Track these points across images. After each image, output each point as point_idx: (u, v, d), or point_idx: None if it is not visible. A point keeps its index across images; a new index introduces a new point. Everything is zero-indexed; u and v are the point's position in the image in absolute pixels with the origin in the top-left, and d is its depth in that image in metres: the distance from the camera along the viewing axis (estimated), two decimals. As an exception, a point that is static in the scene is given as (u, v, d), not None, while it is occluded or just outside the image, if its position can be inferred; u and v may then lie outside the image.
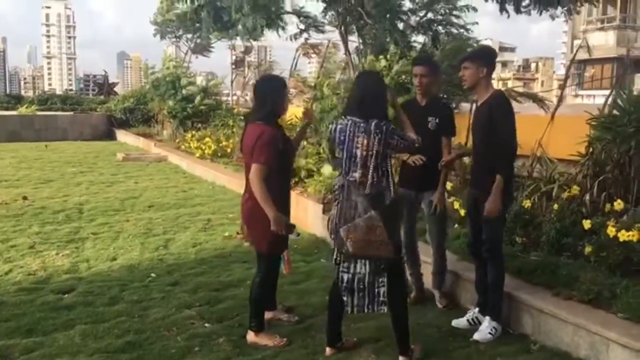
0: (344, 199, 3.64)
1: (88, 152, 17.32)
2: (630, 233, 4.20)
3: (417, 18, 8.03)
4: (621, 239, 4.23)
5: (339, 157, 3.68)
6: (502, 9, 8.48)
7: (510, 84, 77.02)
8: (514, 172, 4.35)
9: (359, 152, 3.58)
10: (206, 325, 4.39)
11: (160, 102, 17.96)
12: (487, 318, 4.24)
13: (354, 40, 9.10)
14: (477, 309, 4.45)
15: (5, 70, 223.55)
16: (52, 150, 17.45)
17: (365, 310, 3.72)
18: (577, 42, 33.50)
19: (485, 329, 4.20)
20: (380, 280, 3.66)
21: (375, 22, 7.52)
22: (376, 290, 3.67)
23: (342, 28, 8.55)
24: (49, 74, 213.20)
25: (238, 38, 18.06)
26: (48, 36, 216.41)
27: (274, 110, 4.04)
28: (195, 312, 4.58)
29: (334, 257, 3.76)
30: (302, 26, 9.09)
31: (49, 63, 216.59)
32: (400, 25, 7.94)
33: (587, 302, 4.05)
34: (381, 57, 8.45)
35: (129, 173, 12.57)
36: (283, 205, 4.04)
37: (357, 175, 3.60)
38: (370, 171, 3.58)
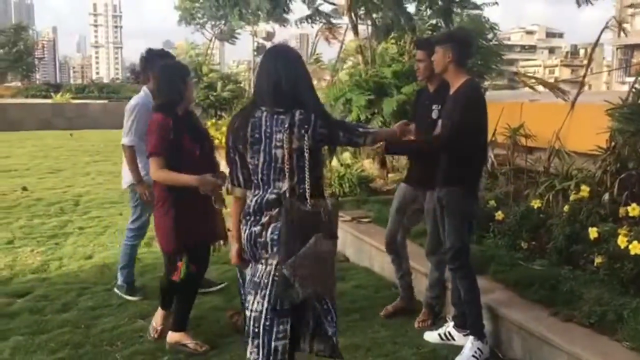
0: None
1: (112, 140, 17.13)
2: (644, 245, 3.53)
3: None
4: (632, 252, 3.56)
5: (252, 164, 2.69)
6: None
7: (557, 70, 74.63)
8: (478, 173, 3.82)
9: (279, 154, 2.61)
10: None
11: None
12: (470, 338, 3.66)
13: (363, 24, 8.48)
14: (451, 323, 3.92)
15: (55, 59, 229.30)
16: (76, 138, 17.44)
17: None
18: (623, 27, 31.74)
19: (468, 352, 3.62)
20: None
21: (382, 3, 6.88)
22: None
23: (350, 10, 7.93)
24: (97, 62, 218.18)
25: (261, 24, 17.73)
26: (95, 26, 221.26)
27: (171, 100, 3.65)
28: (149, 323, 4.12)
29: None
30: (308, 10, 8.51)
31: (96, 52, 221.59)
32: (410, 8, 7.28)
33: (589, 325, 3.41)
34: (392, 41, 7.84)
35: (143, 163, 12.27)
36: (184, 208, 3.60)
37: (284, 185, 2.63)
38: (307, 178, 2.63)
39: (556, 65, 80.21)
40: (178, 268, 3.61)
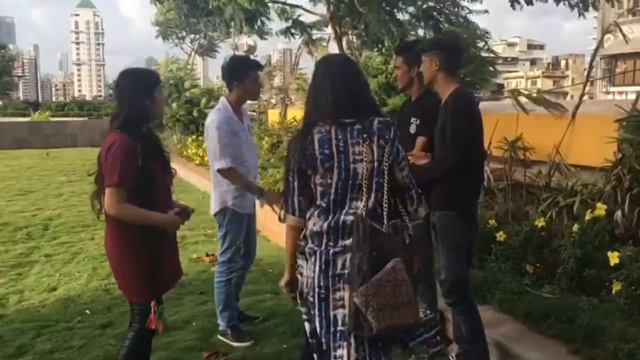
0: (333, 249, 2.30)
1: (89, 159, 16.51)
2: (674, 272, 3.12)
3: (417, 6, 6.97)
4: (660, 280, 3.15)
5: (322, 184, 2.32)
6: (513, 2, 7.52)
7: (539, 82, 75.08)
8: (473, 193, 3.28)
9: (360, 169, 2.29)
10: (120, 388, 3.44)
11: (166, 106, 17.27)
12: (478, 382, 3.22)
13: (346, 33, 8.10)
14: None
15: (37, 77, 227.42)
16: (52, 157, 16.87)
17: None
18: (607, 37, 31.84)
19: (477, 398, 3.18)
20: None
21: (369, 12, 6.50)
22: None
23: (334, 20, 7.54)
24: (79, 80, 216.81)
25: (244, 36, 17.39)
26: (77, 43, 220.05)
27: (134, 115, 2.88)
28: (113, 369, 3.63)
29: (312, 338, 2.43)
30: (287, 23, 8.09)
31: (78, 70, 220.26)
32: (399, 15, 6.90)
33: (616, 366, 2.99)
34: (376, 51, 7.45)
35: (120, 182, 11.74)
36: (154, 250, 2.91)
37: (361, 205, 2.27)
38: (385, 196, 2.30)
39: (538, 77, 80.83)
40: (153, 317, 2.94)
